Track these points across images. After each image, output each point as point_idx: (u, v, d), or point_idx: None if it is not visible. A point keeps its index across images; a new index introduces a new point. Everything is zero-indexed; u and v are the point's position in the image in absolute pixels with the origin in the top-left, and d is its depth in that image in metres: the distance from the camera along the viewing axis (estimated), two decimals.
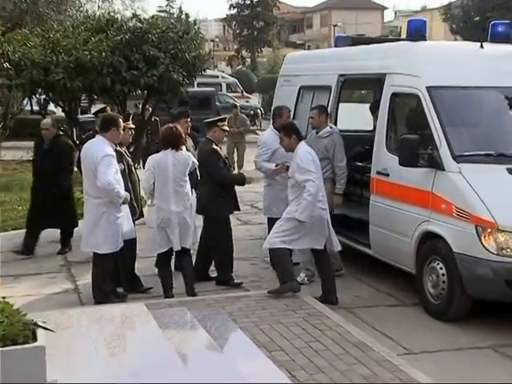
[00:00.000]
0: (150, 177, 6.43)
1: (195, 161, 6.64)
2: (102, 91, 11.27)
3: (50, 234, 8.67)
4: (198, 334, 5.23)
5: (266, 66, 47.01)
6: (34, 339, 3.65)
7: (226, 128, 7.18)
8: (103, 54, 10.66)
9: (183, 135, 6.58)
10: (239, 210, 7.40)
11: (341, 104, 8.36)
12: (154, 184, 6.42)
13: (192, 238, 6.63)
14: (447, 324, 6.11)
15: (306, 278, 7.27)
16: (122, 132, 6.42)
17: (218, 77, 34.81)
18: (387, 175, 6.97)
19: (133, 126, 7.07)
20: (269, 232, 7.15)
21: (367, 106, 9.50)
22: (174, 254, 6.62)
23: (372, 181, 7.26)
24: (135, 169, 7.20)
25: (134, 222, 6.89)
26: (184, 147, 6.56)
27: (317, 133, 7.50)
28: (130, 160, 6.97)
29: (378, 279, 7.43)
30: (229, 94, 31.51)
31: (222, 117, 7.15)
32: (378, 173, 7.12)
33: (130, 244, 6.61)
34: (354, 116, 9.71)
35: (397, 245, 6.80)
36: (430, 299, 6.36)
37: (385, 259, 7.17)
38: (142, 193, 7.14)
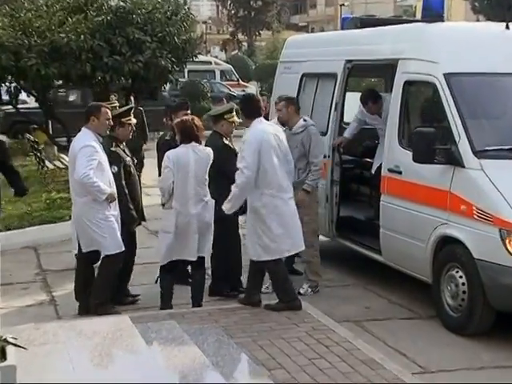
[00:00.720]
0: (169, 175, 6.31)
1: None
2: (80, 79, 11.27)
3: (22, 240, 8.67)
4: (188, 351, 5.23)
5: (265, 50, 47.05)
6: (4, 358, 3.64)
7: (236, 119, 7.01)
8: (82, 36, 10.68)
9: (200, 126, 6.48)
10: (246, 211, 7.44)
11: (348, 94, 8.36)
12: (173, 183, 6.33)
13: (209, 244, 6.56)
14: (468, 339, 6.12)
15: (309, 289, 7.30)
16: (106, 121, 6.41)
17: (210, 63, 34.82)
18: (400, 173, 6.98)
19: (134, 121, 7.03)
20: None
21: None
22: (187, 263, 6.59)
23: (383, 179, 7.27)
24: (137, 170, 7.06)
25: (134, 229, 6.92)
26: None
27: (290, 129, 7.37)
28: (129, 160, 6.85)
29: (390, 289, 7.44)
30: (223, 83, 31.53)
31: (228, 108, 7.07)
32: (390, 170, 7.13)
33: (125, 255, 6.57)
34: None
35: (411, 250, 6.81)
36: (448, 311, 6.37)
37: (397, 267, 7.18)
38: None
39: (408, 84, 7.12)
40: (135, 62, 10.87)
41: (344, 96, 8.25)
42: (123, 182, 6.67)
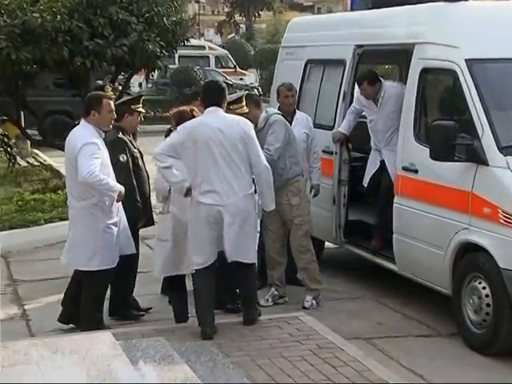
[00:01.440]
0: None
1: None
2: (57, 65, 11.23)
3: None
4: (178, 371, 5.22)
5: (265, 34, 47.19)
6: None
7: (245, 110, 6.99)
8: (58, 17, 10.65)
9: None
10: None
11: None
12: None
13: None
14: (493, 359, 6.12)
15: (313, 302, 7.33)
16: (109, 114, 6.36)
17: (204, 48, 34.89)
18: (415, 172, 6.98)
19: (142, 111, 7.07)
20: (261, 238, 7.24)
21: None
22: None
23: (397, 179, 7.28)
24: (143, 163, 7.07)
25: (137, 231, 6.92)
26: None
27: (255, 127, 7.27)
28: (137, 151, 6.91)
29: (405, 302, 7.45)
30: (218, 70, 31.57)
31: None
32: (405, 169, 7.13)
33: (128, 261, 6.60)
34: None
35: (428, 259, 6.81)
36: (470, 328, 6.37)
37: (413, 277, 7.18)
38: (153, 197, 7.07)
39: (425, 71, 7.12)
40: (119, 46, 10.86)
41: (353, 85, 8.25)
42: (132, 174, 6.70)
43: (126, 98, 7.15)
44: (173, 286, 6.73)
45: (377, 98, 7.85)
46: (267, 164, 6.35)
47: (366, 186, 8.04)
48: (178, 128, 6.30)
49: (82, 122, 6.41)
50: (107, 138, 6.43)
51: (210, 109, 6.27)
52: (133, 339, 5.77)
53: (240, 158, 6.19)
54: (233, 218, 6.15)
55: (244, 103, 7.04)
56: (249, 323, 6.42)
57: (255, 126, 7.33)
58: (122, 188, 6.27)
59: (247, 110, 7.05)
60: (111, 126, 6.48)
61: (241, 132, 6.20)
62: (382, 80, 8.04)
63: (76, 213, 6.36)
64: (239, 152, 6.18)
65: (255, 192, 6.41)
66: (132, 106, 6.85)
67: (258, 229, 6.78)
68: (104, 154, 6.27)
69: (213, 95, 6.34)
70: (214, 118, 6.20)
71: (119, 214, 6.43)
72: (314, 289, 7.39)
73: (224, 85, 6.49)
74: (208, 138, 6.11)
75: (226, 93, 6.41)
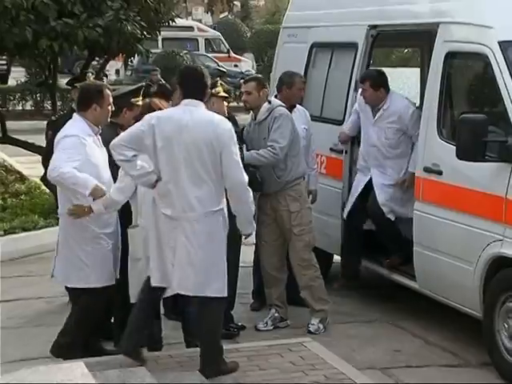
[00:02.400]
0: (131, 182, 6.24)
1: None
2: (19, 48, 11.21)
3: None
4: None
5: (264, 12, 47.21)
6: None
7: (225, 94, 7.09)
8: None
9: None
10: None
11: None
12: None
13: None
14: None
15: (320, 326, 7.33)
16: (108, 107, 6.40)
17: (192, 29, 34.93)
18: (439, 173, 6.98)
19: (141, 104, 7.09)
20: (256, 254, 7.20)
21: (411, 71, 9.53)
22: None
23: (417, 181, 7.29)
24: None
25: None
26: None
27: (255, 118, 7.39)
28: None
29: (428, 326, 7.44)
30: (209, 55, 31.60)
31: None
32: (426, 170, 7.14)
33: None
34: (392, 87, 9.73)
35: (454, 275, 6.80)
36: (505, 356, 6.36)
37: (436, 296, 7.17)
38: None
39: (451, 56, 7.11)
40: (92, 27, 10.82)
41: None
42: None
43: (123, 89, 7.13)
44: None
45: (378, 107, 7.78)
46: (243, 178, 5.87)
47: (345, 217, 7.97)
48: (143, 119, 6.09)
49: (75, 115, 6.42)
50: (103, 136, 6.42)
51: (185, 101, 6.03)
52: (109, 370, 5.75)
53: (204, 167, 5.82)
54: (187, 238, 5.87)
55: (221, 88, 7.11)
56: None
57: (254, 117, 7.36)
58: (97, 185, 6.10)
59: (224, 94, 7.10)
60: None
61: (212, 136, 5.81)
62: (392, 89, 7.91)
63: (62, 220, 6.40)
64: (204, 159, 5.81)
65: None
66: (132, 100, 6.83)
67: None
68: (94, 152, 6.27)
69: (189, 85, 6.07)
70: (184, 114, 5.92)
71: (114, 218, 6.40)
72: (320, 310, 7.37)
73: (206, 73, 6.20)
74: (171, 137, 5.85)
75: (208, 82, 6.15)
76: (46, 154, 7.65)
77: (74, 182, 6.04)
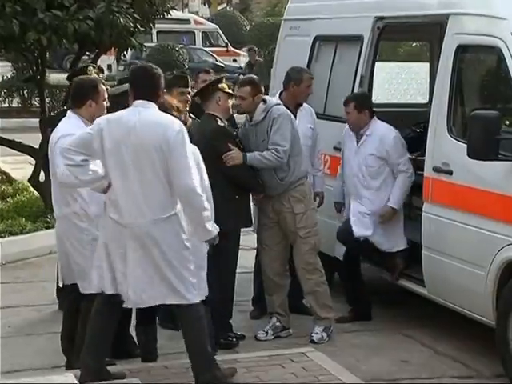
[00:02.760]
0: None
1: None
2: (5, 41, 11.22)
3: None
4: None
5: (264, 4, 47.14)
6: None
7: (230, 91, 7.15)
8: None
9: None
10: (251, 224, 7.46)
11: (378, 64, 8.40)
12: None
13: None
14: None
15: (324, 335, 7.34)
16: (104, 103, 6.43)
17: (189, 22, 34.92)
18: (449, 173, 6.99)
19: None
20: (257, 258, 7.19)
21: (419, 66, 9.54)
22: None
23: (426, 182, 7.29)
24: None
25: None
26: None
27: (250, 120, 7.36)
28: None
29: (437, 335, 7.44)
30: (206, 49, 31.57)
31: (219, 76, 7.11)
32: (436, 169, 7.14)
33: None
34: (399, 83, 9.72)
35: (465, 281, 6.81)
36: None
37: (446, 303, 7.18)
38: None
39: (462, 49, 7.11)
40: (83, 20, 10.80)
41: (372, 67, 8.27)
42: None
43: (123, 87, 7.12)
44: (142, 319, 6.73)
45: (361, 133, 7.72)
46: (191, 183, 5.78)
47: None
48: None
49: (69, 112, 6.46)
50: None
51: (136, 102, 6.00)
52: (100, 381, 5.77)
53: (154, 171, 5.81)
54: (136, 245, 5.86)
55: (226, 85, 7.15)
56: None
57: (250, 119, 7.37)
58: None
59: (230, 91, 7.13)
60: None
61: (162, 139, 5.78)
62: (375, 117, 7.80)
63: (59, 225, 6.44)
64: (154, 163, 5.80)
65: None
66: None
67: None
68: None
69: (140, 85, 6.04)
70: (133, 116, 5.89)
71: None
72: (325, 318, 7.38)
73: (158, 71, 6.10)
74: (119, 140, 5.84)
75: (161, 82, 6.08)
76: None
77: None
